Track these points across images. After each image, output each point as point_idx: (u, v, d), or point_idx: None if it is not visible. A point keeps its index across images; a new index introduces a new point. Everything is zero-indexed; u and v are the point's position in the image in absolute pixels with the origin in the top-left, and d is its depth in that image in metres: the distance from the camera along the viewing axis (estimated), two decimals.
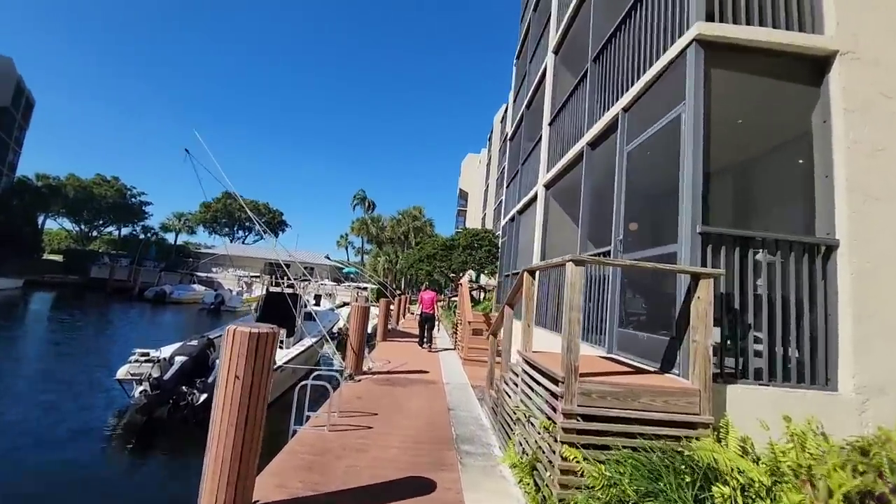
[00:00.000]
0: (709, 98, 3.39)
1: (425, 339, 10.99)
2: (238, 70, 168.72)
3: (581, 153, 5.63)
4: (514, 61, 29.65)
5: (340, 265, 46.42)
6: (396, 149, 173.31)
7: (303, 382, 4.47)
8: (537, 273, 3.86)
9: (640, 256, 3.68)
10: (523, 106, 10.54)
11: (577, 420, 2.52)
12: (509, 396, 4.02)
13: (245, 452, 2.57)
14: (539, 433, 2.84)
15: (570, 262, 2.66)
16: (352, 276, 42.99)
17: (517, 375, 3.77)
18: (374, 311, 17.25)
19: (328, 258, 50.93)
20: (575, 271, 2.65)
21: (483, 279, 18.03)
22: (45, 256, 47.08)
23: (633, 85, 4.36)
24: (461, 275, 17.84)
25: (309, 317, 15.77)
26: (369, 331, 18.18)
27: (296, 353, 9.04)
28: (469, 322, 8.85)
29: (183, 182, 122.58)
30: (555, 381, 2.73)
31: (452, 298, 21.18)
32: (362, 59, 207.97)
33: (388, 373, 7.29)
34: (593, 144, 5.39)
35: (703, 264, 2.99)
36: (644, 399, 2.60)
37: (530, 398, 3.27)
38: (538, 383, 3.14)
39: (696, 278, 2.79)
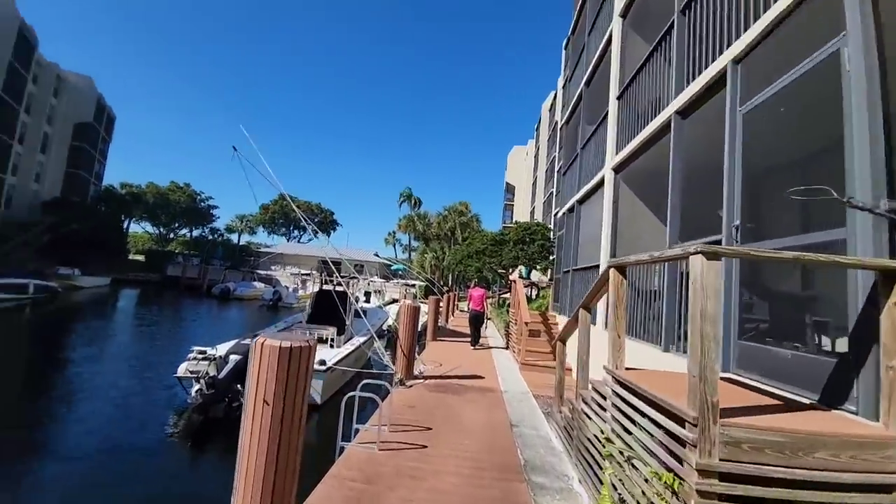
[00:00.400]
0: (879, 27, 2.44)
1: (475, 338, 10.58)
2: (281, 74, 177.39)
3: (667, 125, 4.70)
4: (564, 44, 27.95)
5: (389, 262, 47.09)
6: (442, 145, 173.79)
7: (351, 394, 4.04)
8: (628, 270, 3.09)
9: (779, 246, 2.78)
10: (581, 84, 9.53)
11: (719, 481, 1.77)
12: (590, 418, 3.30)
13: (278, 490, 2.12)
14: (650, 484, 2.11)
15: (701, 253, 1.90)
16: (400, 272, 43.43)
17: (604, 398, 3.04)
18: (423, 308, 16.96)
19: (377, 255, 51.93)
20: (708, 268, 1.89)
21: (535, 275, 17.08)
22: (130, 257, 52.29)
23: (747, 29, 3.42)
24: (511, 271, 17.02)
25: (358, 315, 15.83)
26: (418, 329, 17.93)
27: (346, 353, 8.82)
28: (526, 323, 8.11)
29: (244, 185, 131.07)
30: (677, 420, 2.00)
31: (503, 295, 20.37)
32: (403, 60, 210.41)
33: (440, 377, 6.78)
34: (684, 112, 4.45)
35: (894, 255, 2.10)
36: (820, 453, 1.79)
37: (629, 431, 2.54)
38: (643, 415, 2.41)
39: (891, 277, 1.92)
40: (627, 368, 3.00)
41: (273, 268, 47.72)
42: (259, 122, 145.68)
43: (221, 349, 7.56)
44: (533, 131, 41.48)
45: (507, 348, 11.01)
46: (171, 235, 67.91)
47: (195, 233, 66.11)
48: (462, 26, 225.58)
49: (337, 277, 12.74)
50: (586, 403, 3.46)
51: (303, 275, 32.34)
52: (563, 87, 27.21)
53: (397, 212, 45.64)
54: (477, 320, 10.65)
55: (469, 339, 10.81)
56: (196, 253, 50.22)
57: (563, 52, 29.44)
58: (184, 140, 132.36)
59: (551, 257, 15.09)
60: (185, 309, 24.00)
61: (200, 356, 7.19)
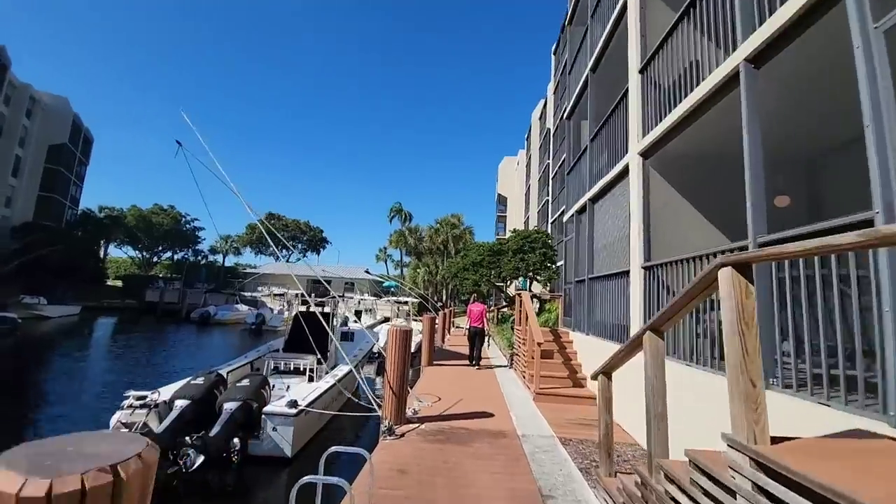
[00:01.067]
0: None
1: (475, 358, 9.55)
2: (262, 89, 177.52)
3: (733, 77, 3.54)
4: (553, 50, 27.33)
5: (380, 279, 45.56)
6: (432, 159, 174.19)
7: (332, 449, 2.77)
8: (731, 272, 1.85)
9: None
10: (586, 70, 8.49)
11: None
12: None
13: None
14: None
15: None
16: (392, 289, 41.92)
17: (729, 492, 1.75)
18: (417, 327, 15.60)
19: (368, 272, 50.38)
20: None
21: (536, 287, 15.86)
22: (109, 282, 50.00)
23: None
24: (509, 283, 15.75)
25: (345, 337, 14.35)
26: (412, 349, 16.47)
27: (326, 388, 7.39)
28: (539, 343, 6.82)
29: (229, 206, 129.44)
30: None
31: (502, 310, 19.05)
32: (392, 72, 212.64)
33: (439, 417, 5.42)
34: (760, 59, 3.30)
35: None
36: None
37: None
38: None
39: None
40: (775, 440, 1.73)
41: (259, 289, 45.85)
42: (244, 140, 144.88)
43: (165, 392, 6.12)
44: (523, 141, 40.93)
45: (510, 367, 9.68)
46: (155, 259, 65.76)
47: (180, 255, 63.98)
48: (448, 37, 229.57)
49: (316, 297, 11.38)
50: (678, 486, 2.15)
51: (287, 294, 30.72)
52: (555, 93, 26.59)
53: (388, 227, 44.47)
54: (477, 337, 9.57)
55: (469, 359, 9.60)
56: (178, 276, 48.20)
57: (553, 57, 28.99)
58: (172, 162, 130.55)
59: (554, 266, 13.91)
60: (158, 337, 22.22)
61: (138, 403, 5.75)
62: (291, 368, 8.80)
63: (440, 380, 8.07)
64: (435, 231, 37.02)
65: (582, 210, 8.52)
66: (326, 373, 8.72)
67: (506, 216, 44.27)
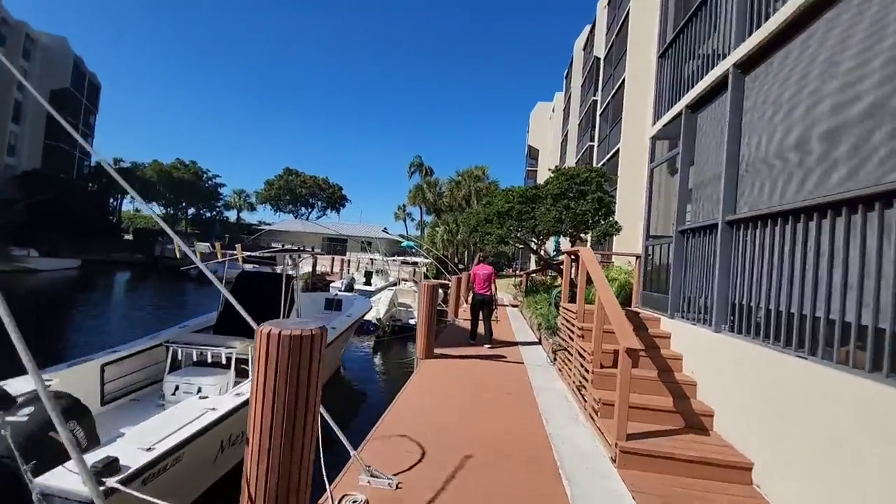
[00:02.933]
0: None
1: (479, 335, 7.52)
2: (285, 42, 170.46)
3: None
4: None
5: (398, 239, 42.56)
6: (457, 112, 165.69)
7: None
8: None
9: None
10: None
11: None
12: None
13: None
14: None
15: None
16: (412, 250, 38.96)
17: None
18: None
19: (385, 231, 47.49)
20: None
21: (566, 246, 12.15)
22: (128, 237, 49.48)
23: None
24: (543, 241, 12.11)
25: (331, 305, 11.30)
26: (411, 322, 13.18)
27: (213, 420, 4.06)
28: (631, 351, 3.31)
29: (250, 161, 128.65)
30: None
31: (533, 276, 15.48)
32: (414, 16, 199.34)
33: None
34: None
35: None
36: None
37: None
38: None
39: None
40: None
41: (273, 246, 43.98)
42: (267, 97, 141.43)
43: (16, 387, 3.18)
44: (561, 82, 35.38)
45: (551, 363, 6.31)
46: (181, 215, 65.21)
47: (200, 212, 63.06)
48: None
49: (267, 251, 8.30)
50: None
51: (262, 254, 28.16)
52: (609, 3, 21.04)
53: (408, 184, 40.84)
54: (484, 308, 7.44)
55: (471, 336, 7.32)
56: (195, 232, 46.94)
57: None
58: (198, 124, 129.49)
59: (613, 219, 10.07)
60: (147, 294, 20.13)
61: None
62: (210, 359, 5.72)
63: (434, 392, 4.80)
64: (456, 184, 32.90)
65: (695, 107, 4.67)
66: None
67: (536, 171, 39.54)
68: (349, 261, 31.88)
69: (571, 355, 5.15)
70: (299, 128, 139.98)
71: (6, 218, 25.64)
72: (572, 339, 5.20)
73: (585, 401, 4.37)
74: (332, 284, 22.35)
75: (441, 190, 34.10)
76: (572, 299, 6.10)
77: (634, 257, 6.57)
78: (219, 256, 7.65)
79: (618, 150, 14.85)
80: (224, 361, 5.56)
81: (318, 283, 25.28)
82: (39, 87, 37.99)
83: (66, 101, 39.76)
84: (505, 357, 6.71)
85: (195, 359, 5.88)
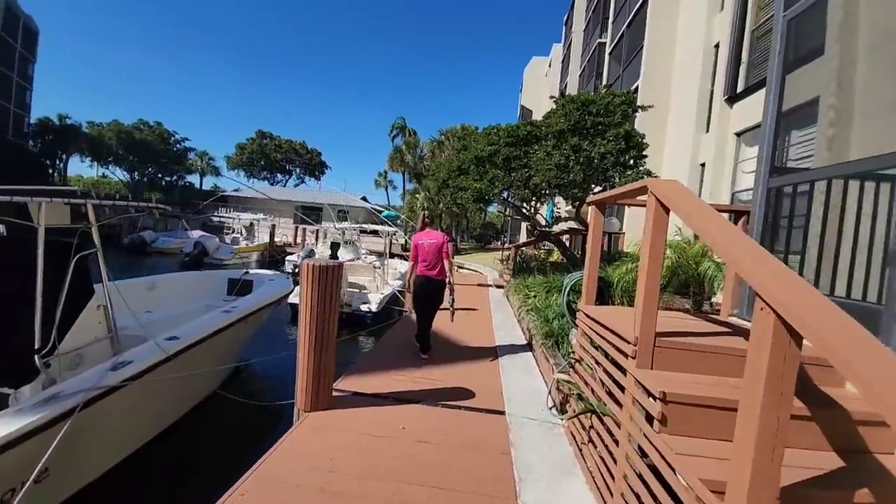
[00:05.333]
0: None
1: (424, 342, 4.63)
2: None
3: None
4: None
5: (378, 209, 38.97)
6: (442, 71, 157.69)
7: None
8: None
9: None
10: None
11: None
12: None
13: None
14: None
15: None
16: (396, 220, 35.55)
17: None
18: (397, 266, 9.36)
19: (364, 200, 43.82)
20: None
21: (564, 211, 9.04)
22: None
23: None
24: (541, 202, 9.09)
25: (234, 287, 8.13)
26: (363, 308, 10.08)
27: None
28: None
29: (224, 124, 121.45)
30: None
31: (523, 249, 12.39)
32: None
33: None
34: None
35: None
36: None
37: None
38: None
39: None
40: None
41: (240, 215, 40.02)
42: (244, 56, 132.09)
43: None
44: (560, 29, 31.24)
45: (545, 383, 3.32)
46: (146, 180, 60.07)
47: (159, 177, 58.02)
48: None
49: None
50: None
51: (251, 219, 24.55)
52: None
53: (390, 149, 36.79)
54: (432, 300, 4.51)
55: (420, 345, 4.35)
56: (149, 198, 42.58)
57: None
58: (174, 90, 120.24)
59: (642, 164, 6.94)
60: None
61: None
62: None
63: None
64: (438, 145, 29.10)
65: None
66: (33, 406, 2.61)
67: None
68: (319, 231, 28.40)
69: (610, 425, 2.09)
70: (278, 96, 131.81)
71: None
72: (612, 395, 2.16)
73: None
74: (287, 258, 19.10)
75: (422, 152, 30.33)
76: (599, 298, 3.10)
77: (731, 213, 3.45)
78: None
79: (636, 89, 11.53)
80: None
81: (276, 254, 22.00)
82: None
83: None
84: (470, 394, 3.68)
85: None
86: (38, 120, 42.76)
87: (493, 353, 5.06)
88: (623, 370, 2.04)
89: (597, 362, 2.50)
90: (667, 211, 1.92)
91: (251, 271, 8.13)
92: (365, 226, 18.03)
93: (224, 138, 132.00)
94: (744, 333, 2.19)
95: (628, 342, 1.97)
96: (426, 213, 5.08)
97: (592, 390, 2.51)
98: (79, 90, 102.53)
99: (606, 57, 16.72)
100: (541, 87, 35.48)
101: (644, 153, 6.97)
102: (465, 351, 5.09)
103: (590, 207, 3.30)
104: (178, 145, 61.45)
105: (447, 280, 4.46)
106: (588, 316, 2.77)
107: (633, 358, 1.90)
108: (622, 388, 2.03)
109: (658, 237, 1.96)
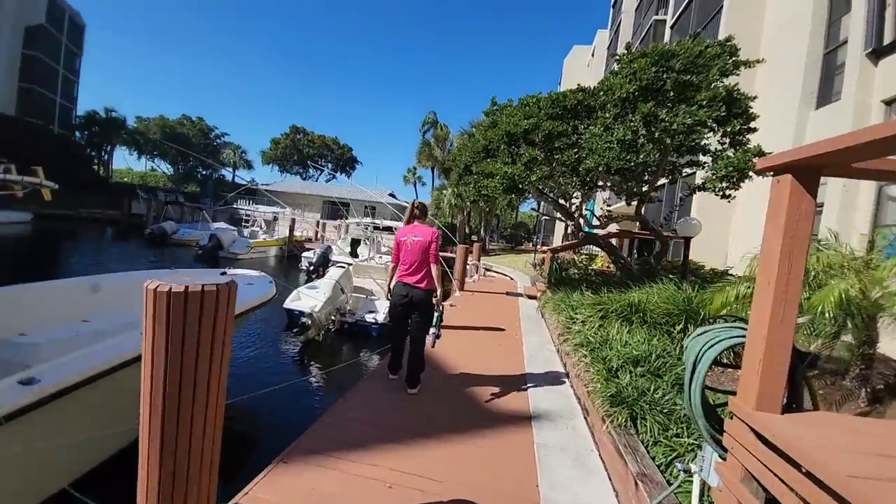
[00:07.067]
0: None
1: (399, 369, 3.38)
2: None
3: None
4: None
5: (407, 205, 37.70)
6: (475, 64, 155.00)
7: None
8: None
9: None
10: None
11: None
12: None
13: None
14: None
15: None
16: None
17: None
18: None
19: (392, 196, 42.73)
20: None
21: (608, 210, 7.05)
22: None
23: None
24: (589, 194, 7.29)
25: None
26: (368, 317, 8.63)
27: None
28: None
29: (260, 120, 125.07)
30: None
31: (560, 253, 10.46)
32: None
33: None
34: None
35: None
36: None
37: None
38: None
39: None
40: None
41: (259, 208, 40.07)
42: (276, 56, 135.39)
43: None
44: (607, 11, 28.61)
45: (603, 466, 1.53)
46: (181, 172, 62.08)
47: (197, 171, 59.60)
48: None
49: None
50: None
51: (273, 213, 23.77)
52: None
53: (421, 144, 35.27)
54: (410, 311, 3.10)
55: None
56: (177, 190, 43.66)
57: None
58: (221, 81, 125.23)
59: (747, 138, 4.93)
60: (72, 260, 16.15)
61: None
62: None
63: None
64: (469, 137, 27.32)
65: None
66: None
67: None
68: (341, 227, 27.37)
69: None
70: (314, 88, 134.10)
71: None
72: None
73: None
74: (303, 255, 17.96)
75: (452, 145, 28.65)
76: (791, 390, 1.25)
77: None
78: None
79: None
80: None
81: (295, 250, 21.01)
82: (12, 23, 33.98)
83: (41, 40, 35.76)
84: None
85: None
86: (86, 113, 44.49)
87: (525, 414, 3.31)
88: None
89: None
90: None
91: (230, 271, 6.74)
92: (377, 221, 16.53)
93: (262, 133, 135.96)
94: None
95: None
96: (415, 202, 3.45)
97: None
98: (129, 86, 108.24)
99: (667, 31, 14.39)
100: (582, 77, 32.94)
101: (751, 124, 4.95)
102: (482, 402, 3.37)
103: (773, 179, 1.44)
104: (217, 140, 63.13)
105: (432, 291, 2.88)
106: (764, 440, 0.99)
107: None
108: None
109: None
